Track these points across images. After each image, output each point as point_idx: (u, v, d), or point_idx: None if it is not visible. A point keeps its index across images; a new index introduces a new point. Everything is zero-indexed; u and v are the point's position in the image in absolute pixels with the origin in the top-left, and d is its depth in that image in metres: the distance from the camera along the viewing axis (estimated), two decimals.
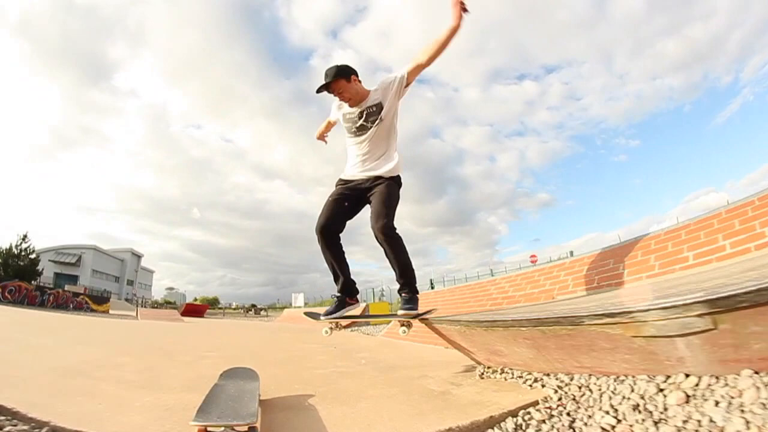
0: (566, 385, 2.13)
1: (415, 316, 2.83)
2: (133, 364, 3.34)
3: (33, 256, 42.04)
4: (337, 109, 3.09)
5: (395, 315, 3.02)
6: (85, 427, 1.58)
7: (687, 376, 1.64)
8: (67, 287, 35.67)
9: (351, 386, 2.68)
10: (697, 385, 1.57)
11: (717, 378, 1.54)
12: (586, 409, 1.80)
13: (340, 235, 2.92)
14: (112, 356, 3.85)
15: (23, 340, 4.85)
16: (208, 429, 1.51)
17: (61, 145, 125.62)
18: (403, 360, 4.22)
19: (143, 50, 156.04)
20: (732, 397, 1.41)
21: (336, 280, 2.99)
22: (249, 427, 1.55)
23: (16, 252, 40.35)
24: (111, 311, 20.85)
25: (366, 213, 2.93)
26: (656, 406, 1.59)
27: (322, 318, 3.06)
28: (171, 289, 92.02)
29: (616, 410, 1.68)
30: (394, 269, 2.82)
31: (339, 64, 2.89)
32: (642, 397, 1.67)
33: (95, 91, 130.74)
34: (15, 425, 1.55)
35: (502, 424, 1.82)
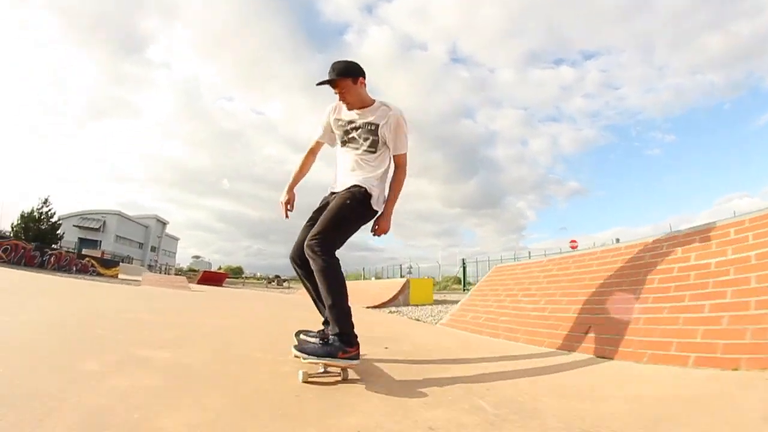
0: None
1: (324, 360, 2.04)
2: None
3: (54, 219, 41.50)
4: (332, 112, 2.65)
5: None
6: None
7: None
8: (84, 251, 34.81)
9: None
10: None
11: None
12: None
13: None
14: None
15: None
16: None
17: (92, 115, 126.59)
18: None
19: (176, 23, 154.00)
20: None
21: (322, 312, 2.51)
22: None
23: (36, 216, 39.89)
24: (121, 276, 19.46)
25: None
26: None
27: (295, 353, 2.14)
28: (197, 257, 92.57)
29: None
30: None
31: (349, 60, 2.54)
32: None
33: (128, 63, 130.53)
34: None
35: None
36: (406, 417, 1.52)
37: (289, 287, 34.98)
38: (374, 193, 2.42)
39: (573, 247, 28.98)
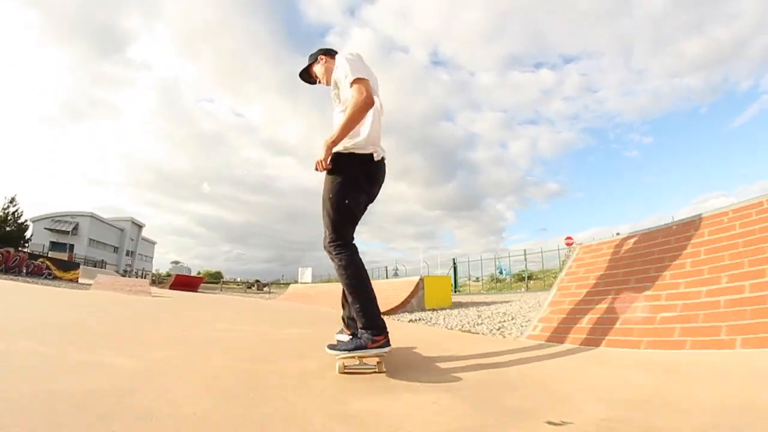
0: None
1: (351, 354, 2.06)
2: None
3: (22, 220, 39.45)
4: None
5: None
6: None
7: None
8: (51, 254, 32.87)
9: None
10: None
11: None
12: None
13: None
14: None
15: None
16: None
17: (71, 116, 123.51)
18: None
19: (157, 22, 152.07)
20: None
21: (344, 307, 2.50)
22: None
23: (2, 216, 37.88)
24: (81, 280, 17.83)
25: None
26: None
27: (328, 351, 2.15)
28: (176, 262, 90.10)
29: None
30: None
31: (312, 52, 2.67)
32: None
33: (107, 63, 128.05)
34: None
35: None
36: None
37: (269, 292, 33.50)
38: (342, 148, 2.18)
39: (568, 244, 28.73)
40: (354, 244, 2.23)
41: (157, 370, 2.06)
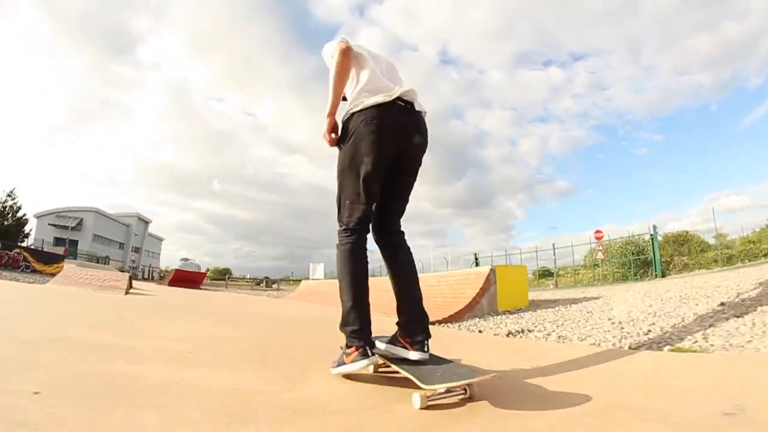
0: None
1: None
2: None
3: (20, 214, 37.84)
4: None
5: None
6: None
7: None
8: (47, 249, 31.21)
9: None
10: None
11: None
12: None
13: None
14: None
15: None
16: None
17: (81, 117, 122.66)
18: None
19: (167, 22, 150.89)
20: None
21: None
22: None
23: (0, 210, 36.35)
24: None
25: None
26: None
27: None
28: (186, 259, 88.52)
29: None
30: None
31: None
32: None
33: (117, 64, 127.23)
34: None
35: None
36: None
37: (278, 289, 31.53)
38: (349, 113, 1.96)
39: (598, 238, 26.62)
40: (359, 231, 1.89)
41: None
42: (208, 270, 65.36)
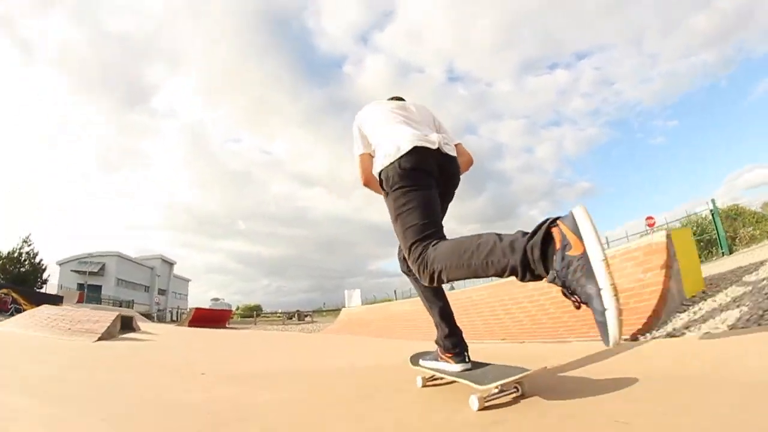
0: None
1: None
2: None
3: (37, 260, 35.99)
4: None
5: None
6: None
7: None
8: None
9: None
10: None
11: None
12: None
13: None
14: None
15: None
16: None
17: (104, 168, 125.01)
18: None
19: (179, 70, 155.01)
20: None
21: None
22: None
23: (16, 256, 34.59)
24: None
25: None
26: None
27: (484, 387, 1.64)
28: (216, 299, 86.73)
29: None
30: None
31: None
32: None
33: (133, 114, 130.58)
34: None
35: None
36: None
37: (312, 321, 28.33)
38: (381, 168, 2.00)
39: (650, 225, 24.76)
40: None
41: None
42: (238, 308, 62.88)
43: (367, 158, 2.16)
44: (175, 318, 42.22)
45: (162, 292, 60.30)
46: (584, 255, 1.26)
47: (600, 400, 1.49)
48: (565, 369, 2.15)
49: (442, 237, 1.80)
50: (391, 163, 1.89)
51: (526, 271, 1.40)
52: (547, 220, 1.40)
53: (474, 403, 1.55)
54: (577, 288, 1.29)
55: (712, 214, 15.41)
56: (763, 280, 3.88)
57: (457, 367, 1.88)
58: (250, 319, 35.39)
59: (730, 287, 4.00)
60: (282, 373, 3.38)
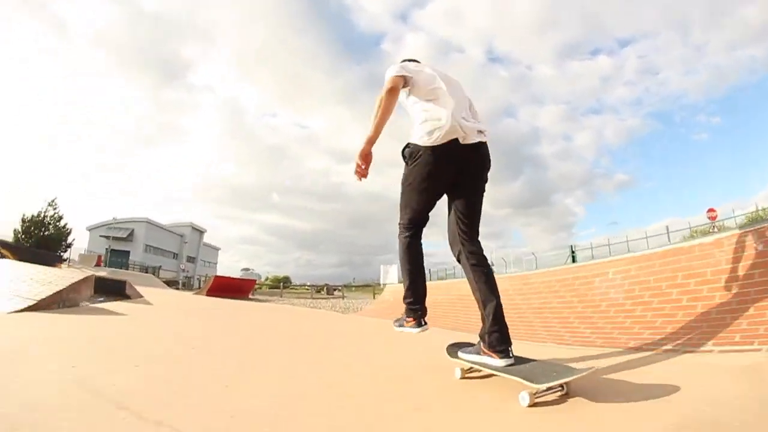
0: None
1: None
2: None
3: (62, 224, 34.93)
4: None
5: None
6: None
7: None
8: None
9: None
10: None
11: None
12: None
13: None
14: None
15: None
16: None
17: (142, 141, 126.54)
18: None
19: (215, 47, 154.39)
20: None
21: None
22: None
23: (40, 220, 33.51)
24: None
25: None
26: None
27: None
28: (246, 269, 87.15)
29: None
30: None
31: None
32: None
33: (170, 90, 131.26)
34: None
35: None
36: None
37: (342, 296, 26.30)
38: (416, 140, 2.17)
39: (712, 218, 24.16)
40: (412, 229, 2.30)
41: None
42: (267, 278, 61.83)
43: (402, 80, 2.18)
44: (202, 285, 41.12)
45: (191, 259, 59.72)
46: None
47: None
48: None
49: (418, 234, 2.27)
50: (425, 146, 2.06)
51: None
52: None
53: (525, 399, 1.62)
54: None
55: None
56: None
57: (502, 362, 1.90)
58: (278, 290, 33.60)
59: None
60: None
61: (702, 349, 2.46)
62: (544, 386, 1.59)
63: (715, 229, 22.50)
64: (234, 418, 1.50)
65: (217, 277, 18.37)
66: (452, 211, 2.19)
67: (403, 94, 2.22)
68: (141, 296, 8.11)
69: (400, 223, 2.27)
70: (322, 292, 35.36)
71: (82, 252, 32.80)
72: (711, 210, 26.53)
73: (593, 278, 4.23)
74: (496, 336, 1.94)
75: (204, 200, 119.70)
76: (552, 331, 3.96)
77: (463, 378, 2.12)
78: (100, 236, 48.83)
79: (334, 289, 36.99)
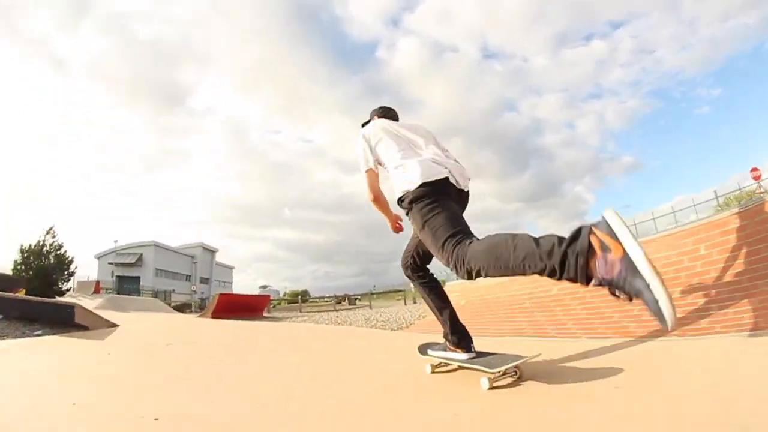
0: None
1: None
2: None
3: (61, 251, 33.12)
4: None
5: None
6: None
7: None
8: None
9: None
10: None
11: None
12: None
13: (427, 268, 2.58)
14: None
15: None
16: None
17: (147, 168, 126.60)
18: None
19: (212, 69, 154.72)
20: None
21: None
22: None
23: (38, 249, 31.73)
24: None
25: None
26: None
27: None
28: (264, 286, 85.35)
29: None
30: None
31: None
32: None
33: (171, 116, 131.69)
34: None
35: None
36: None
37: (370, 305, 23.72)
38: (400, 194, 2.24)
39: (756, 178, 22.05)
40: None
41: None
42: (285, 294, 59.46)
43: (375, 175, 2.34)
44: None
45: (205, 280, 57.65)
46: (625, 255, 1.35)
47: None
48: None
49: (472, 235, 1.93)
50: (417, 188, 2.07)
51: (563, 274, 1.49)
52: (582, 228, 1.50)
53: (485, 383, 1.90)
54: (625, 286, 1.37)
55: None
56: None
57: (465, 356, 2.20)
58: (297, 305, 31.03)
59: None
60: None
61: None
62: (497, 370, 1.89)
63: (761, 188, 20.56)
64: None
65: (222, 295, 15.81)
66: (415, 240, 2.42)
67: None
68: (112, 325, 6.30)
69: (443, 245, 1.94)
70: (344, 303, 32.95)
71: (83, 280, 30.70)
72: (755, 169, 23.52)
73: None
74: (457, 336, 2.27)
75: (216, 221, 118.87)
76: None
77: (433, 373, 2.34)
78: (109, 263, 47.05)
79: (356, 299, 34.74)
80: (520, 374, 1.96)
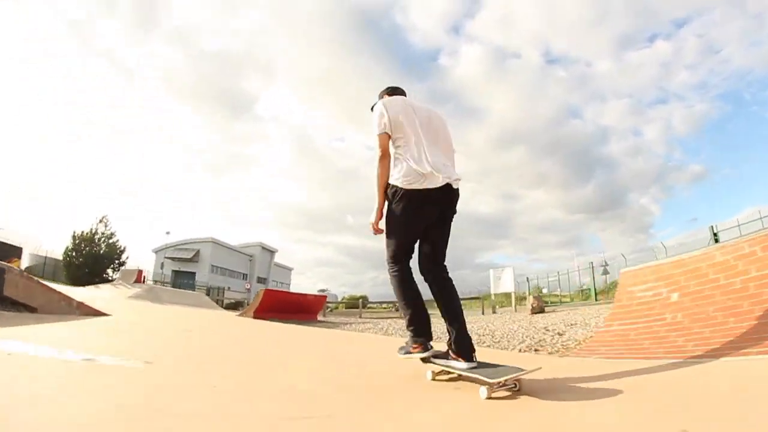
0: None
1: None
2: None
3: (113, 240, 31.73)
4: None
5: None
6: None
7: None
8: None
9: None
10: None
11: None
12: None
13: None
14: None
15: None
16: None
17: (214, 172, 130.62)
18: None
19: (277, 79, 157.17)
20: None
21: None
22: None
23: (90, 236, 30.52)
24: None
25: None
26: None
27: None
28: (323, 290, 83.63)
29: None
30: None
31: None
32: None
33: (239, 123, 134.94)
34: None
35: None
36: None
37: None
38: (393, 180, 2.45)
39: None
40: (403, 261, 2.51)
41: None
42: (343, 299, 56.33)
43: (387, 138, 2.46)
44: None
45: (262, 280, 55.89)
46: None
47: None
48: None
49: (407, 265, 2.45)
50: (406, 188, 2.32)
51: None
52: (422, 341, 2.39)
53: (483, 392, 1.95)
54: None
55: None
56: None
57: (465, 365, 2.20)
58: (355, 309, 27.44)
59: None
60: None
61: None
62: (495, 381, 1.92)
63: None
64: None
65: (269, 291, 12.27)
66: (425, 239, 2.48)
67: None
68: (97, 313, 5.49)
69: (387, 260, 2.50)
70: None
71: (130, 269, 28.69)
72: None
73: None
74: (462, 345, 2.26)
75: (280, 225, 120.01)
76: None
77: (433, 380, 2.40)
78: (166, 257, 45.99)
79: None
80: (519, 387, 2.04)
